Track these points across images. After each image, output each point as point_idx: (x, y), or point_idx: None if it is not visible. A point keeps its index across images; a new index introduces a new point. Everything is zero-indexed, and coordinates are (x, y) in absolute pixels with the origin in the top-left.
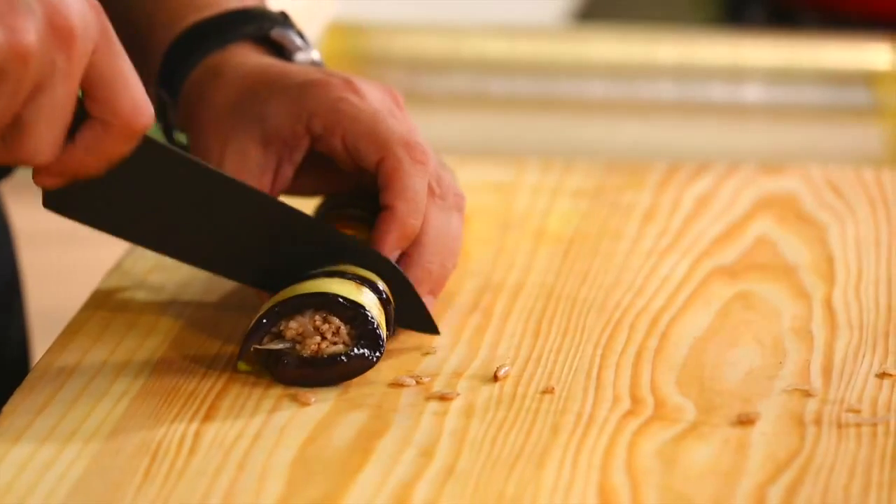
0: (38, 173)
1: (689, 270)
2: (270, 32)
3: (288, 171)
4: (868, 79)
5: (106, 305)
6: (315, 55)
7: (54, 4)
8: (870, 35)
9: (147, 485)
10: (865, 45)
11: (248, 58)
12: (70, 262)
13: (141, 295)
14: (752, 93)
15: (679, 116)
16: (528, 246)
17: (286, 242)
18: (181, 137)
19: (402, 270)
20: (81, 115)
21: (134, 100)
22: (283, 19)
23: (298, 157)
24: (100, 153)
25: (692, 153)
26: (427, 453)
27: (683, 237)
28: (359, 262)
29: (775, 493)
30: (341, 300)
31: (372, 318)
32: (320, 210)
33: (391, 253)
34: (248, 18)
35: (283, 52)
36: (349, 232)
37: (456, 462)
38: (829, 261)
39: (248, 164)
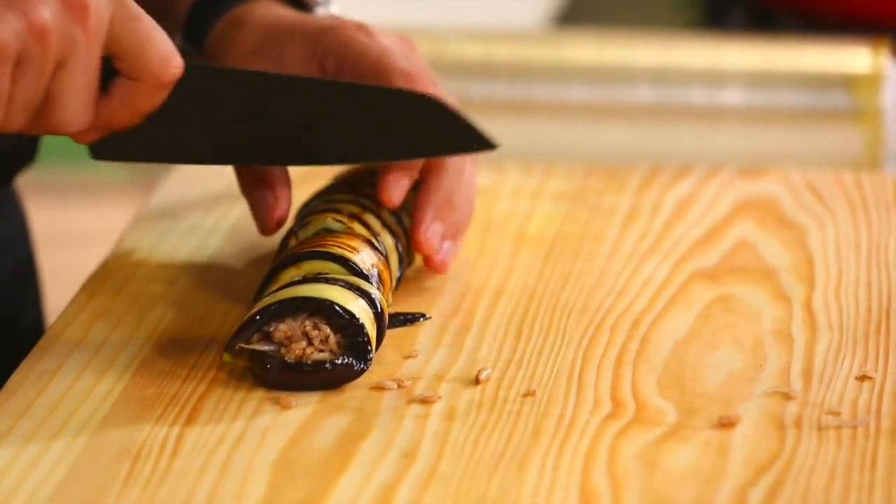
0: (76, 134)
1: (669, 273)
2: None
3: None
4: (848, 82)
5: (88, 308)
6: (334, 9)
7: None
8: (849, 39)
9: (129, 488)
10: (845, 49)
11: (269, 9)
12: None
13: (123, 298)
14: (732, 96)
15: (659, 120)
16: (509, 249)
17: (334, 111)
18: None
19: (439, 98)
20: (112, 71)
21: (160, 54)
22: None
23: None
24: (133, 106)
25: (672, 156)
26: (409, 456)
27: (664, 240)
28: (398, 100)
29: (756, 495)
30: (338, 308)
31: (365, 329)
32: (312, 202)
33: (397, 181)
34: None
35: (302, 6)
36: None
37: (438, 465)
38: (809, 263)
39: None
